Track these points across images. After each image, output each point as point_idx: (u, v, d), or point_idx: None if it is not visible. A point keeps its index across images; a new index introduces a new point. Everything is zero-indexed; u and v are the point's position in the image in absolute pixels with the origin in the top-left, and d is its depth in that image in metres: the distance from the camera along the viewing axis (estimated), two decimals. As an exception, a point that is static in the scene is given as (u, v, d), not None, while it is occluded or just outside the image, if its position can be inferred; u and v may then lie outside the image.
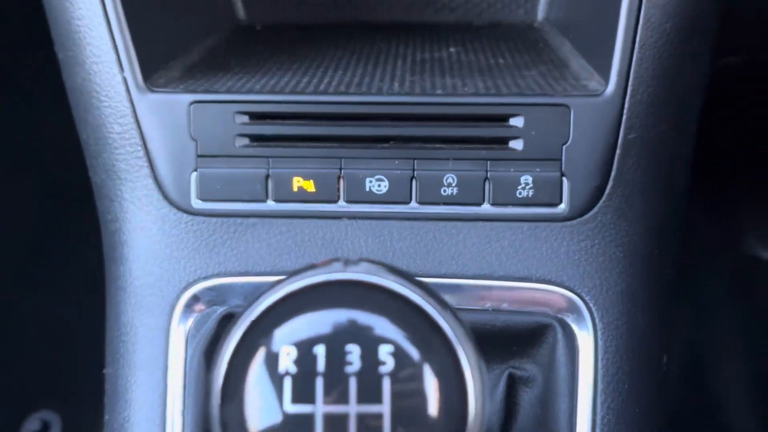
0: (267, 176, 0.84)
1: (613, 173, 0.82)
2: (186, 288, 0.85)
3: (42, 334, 1.63)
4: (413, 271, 0.81)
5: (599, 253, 0.84)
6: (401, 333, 0.45)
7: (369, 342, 0.45)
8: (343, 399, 0.44)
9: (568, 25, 1.02)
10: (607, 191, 0.83)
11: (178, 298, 0.85)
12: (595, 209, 0.83)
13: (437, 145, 0.83)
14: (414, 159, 0.83)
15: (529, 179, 0.82)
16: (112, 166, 0.85)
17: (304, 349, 0.45)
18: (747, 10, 1.08)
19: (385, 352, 0.45)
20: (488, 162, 0.83)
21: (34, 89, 1.63)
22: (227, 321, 0.77)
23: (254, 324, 0.46)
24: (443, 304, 0.46)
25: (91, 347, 1.48)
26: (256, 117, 0.84)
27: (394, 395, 0.44)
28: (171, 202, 0.85)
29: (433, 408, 0.44)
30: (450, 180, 0.83)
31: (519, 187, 0.82)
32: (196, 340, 0.83)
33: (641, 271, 0.84)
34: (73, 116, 0.88)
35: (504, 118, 0.82)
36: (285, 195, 0.84)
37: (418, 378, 0.45)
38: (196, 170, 0.84)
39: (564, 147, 0.82)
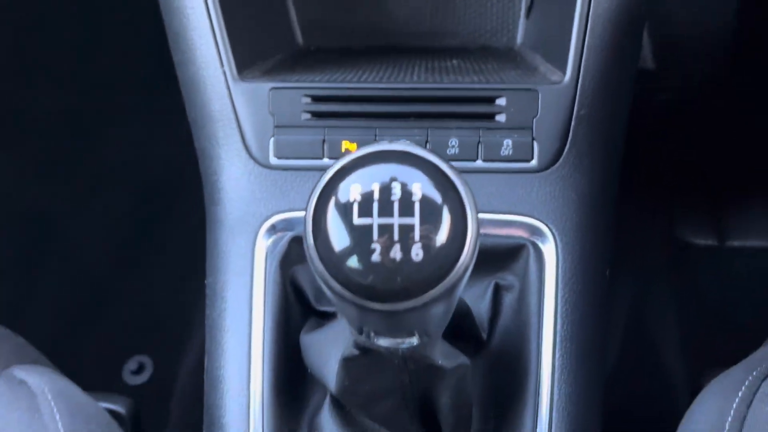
0: (323, 141, 0.93)
1: (569, 138, 0.91)
2: (266, 220, 0.92)
3: (140, 303, 1.86)
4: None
5: (560, 195, 0.91)
6: (428, 180, 0.53)
7: (407, 181, 0.53)
8: (390, 214, 0.52)
9: (538, 46, 1.11)
10: (565, 151, 0.91)
11: (260, 226, 0.92)
12: (557, 164, 0.91)
13: (444, 119, 0.92)
14: (428, 128, 0.92)
15: (510, 142, 0.91)
16: (213, 134, 0.95)
17: (365, 186, 0.53)
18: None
19: (416, 188, 0.53)
20: (480, 130, 0.91)
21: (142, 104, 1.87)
22: (296, 242, 0.90)
23: (334, 175, 0.55)
24: (456, 171, 0.55)
25: (174, 311, 1.72)
26: (316, 99, 0.93)
27: (421, 213, 0.52)
28: (255, 160, 0.94)
29: (445, 225, 0.53)
30: (453, 143, 0.91)
31: (502, 148, 0.91)
32: (273, 255, 0.90)
33: (589, 208, 0.92)
34: (184, 100, 0.97)
35: (492, 100, 0.92)
36: (336, 154, 0.92)
37: (437, 206, 0.53)
38: (273, 137, 0.93)
39: (534, 119, 0.91)
